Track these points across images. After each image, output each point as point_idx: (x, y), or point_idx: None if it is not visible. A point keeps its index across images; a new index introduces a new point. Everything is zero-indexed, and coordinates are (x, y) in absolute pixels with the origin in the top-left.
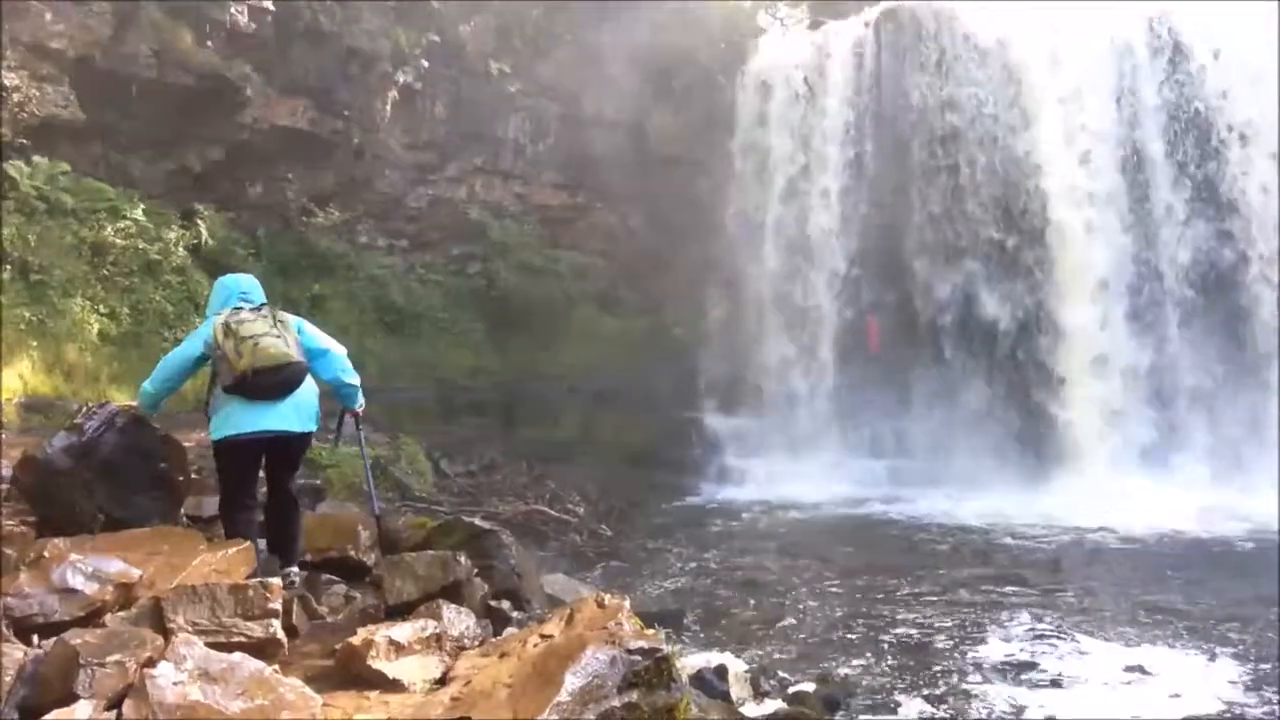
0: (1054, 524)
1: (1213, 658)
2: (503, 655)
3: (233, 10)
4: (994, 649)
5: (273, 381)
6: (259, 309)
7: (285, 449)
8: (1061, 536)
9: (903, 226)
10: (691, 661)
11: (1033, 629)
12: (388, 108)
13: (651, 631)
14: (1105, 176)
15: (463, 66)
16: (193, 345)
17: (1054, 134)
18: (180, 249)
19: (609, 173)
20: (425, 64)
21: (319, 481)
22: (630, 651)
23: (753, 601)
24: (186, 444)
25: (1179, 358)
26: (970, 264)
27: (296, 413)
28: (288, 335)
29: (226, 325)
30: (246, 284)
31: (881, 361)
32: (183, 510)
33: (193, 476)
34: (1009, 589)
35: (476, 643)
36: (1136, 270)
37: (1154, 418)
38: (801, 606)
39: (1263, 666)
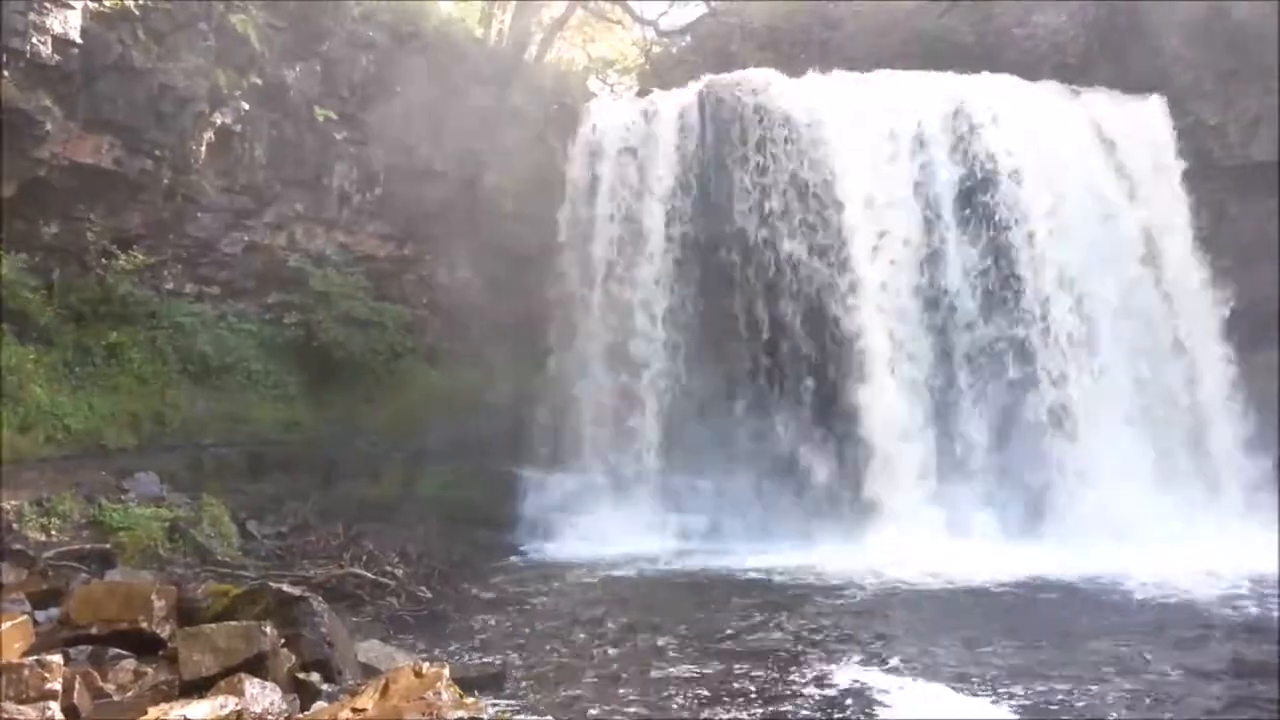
0: (865, 577)
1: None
2: None
3: (34, 40)
4: (808, 700)
5: None
6: None
7: None
8: (871, 588)
9: (725, 296)
10: None
11: (846, 679)
12: (202, 149)
13: (472, 700)
14: (907, 241)
15: (286, 110)
16: None
17: (860, 206)
18: None
19: (439, 225)
20: (245, 106)
21: (109, 546)
22: None
23: (575, 660)
24: None
25: (974, 420)
26: (783, 339)
27: None
28: None
29: None
30: None
31: (705, 419)
32: None
33: None
34: (824, 641)
35: (283, 719)
36: (933, 337)
37: (953, 478)
38: (623, 665)
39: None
